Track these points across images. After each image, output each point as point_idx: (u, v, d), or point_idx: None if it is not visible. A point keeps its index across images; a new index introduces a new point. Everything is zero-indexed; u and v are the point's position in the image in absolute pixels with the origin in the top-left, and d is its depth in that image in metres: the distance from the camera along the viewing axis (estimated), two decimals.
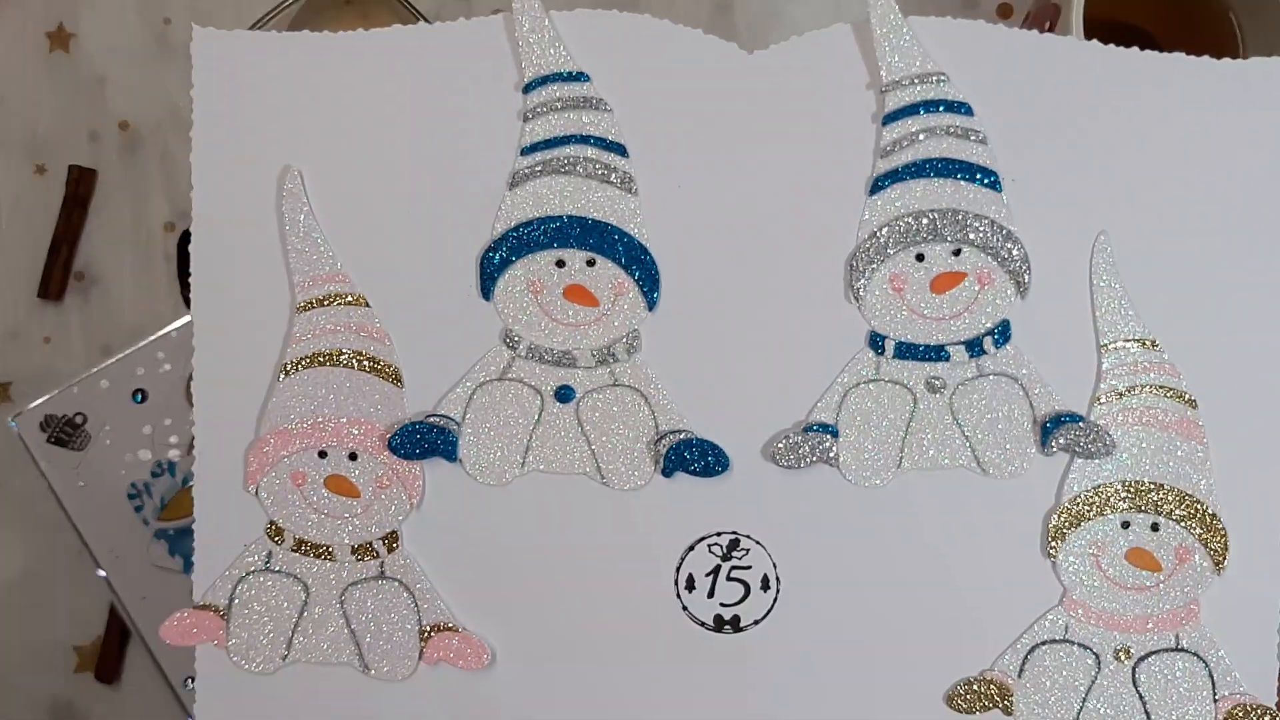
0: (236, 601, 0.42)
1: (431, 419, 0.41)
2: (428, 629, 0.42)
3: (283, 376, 0.41)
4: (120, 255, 0.62)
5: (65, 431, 0.53)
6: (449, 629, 0.42)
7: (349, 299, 0.41)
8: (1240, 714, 0.41)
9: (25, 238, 0.62)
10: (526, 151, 0.40)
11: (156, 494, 0.54)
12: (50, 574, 0.61)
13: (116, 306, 0.62)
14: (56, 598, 0.61)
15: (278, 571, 0.42)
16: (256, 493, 0.41)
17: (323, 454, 0.41)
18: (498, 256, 0.40)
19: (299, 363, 0.41)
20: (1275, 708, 0.41)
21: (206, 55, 0.40)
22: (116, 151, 0.62)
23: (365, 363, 0.41)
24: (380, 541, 0.42)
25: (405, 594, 0.42)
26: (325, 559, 0.42)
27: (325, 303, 0.41)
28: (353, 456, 0.41)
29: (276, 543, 0.42)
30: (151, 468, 0.54)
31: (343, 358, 0.41)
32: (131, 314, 0.62)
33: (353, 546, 0.42)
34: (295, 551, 0.42)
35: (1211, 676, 0.41)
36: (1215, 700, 0.41)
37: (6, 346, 0.62)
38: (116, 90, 0.62)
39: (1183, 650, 0.41)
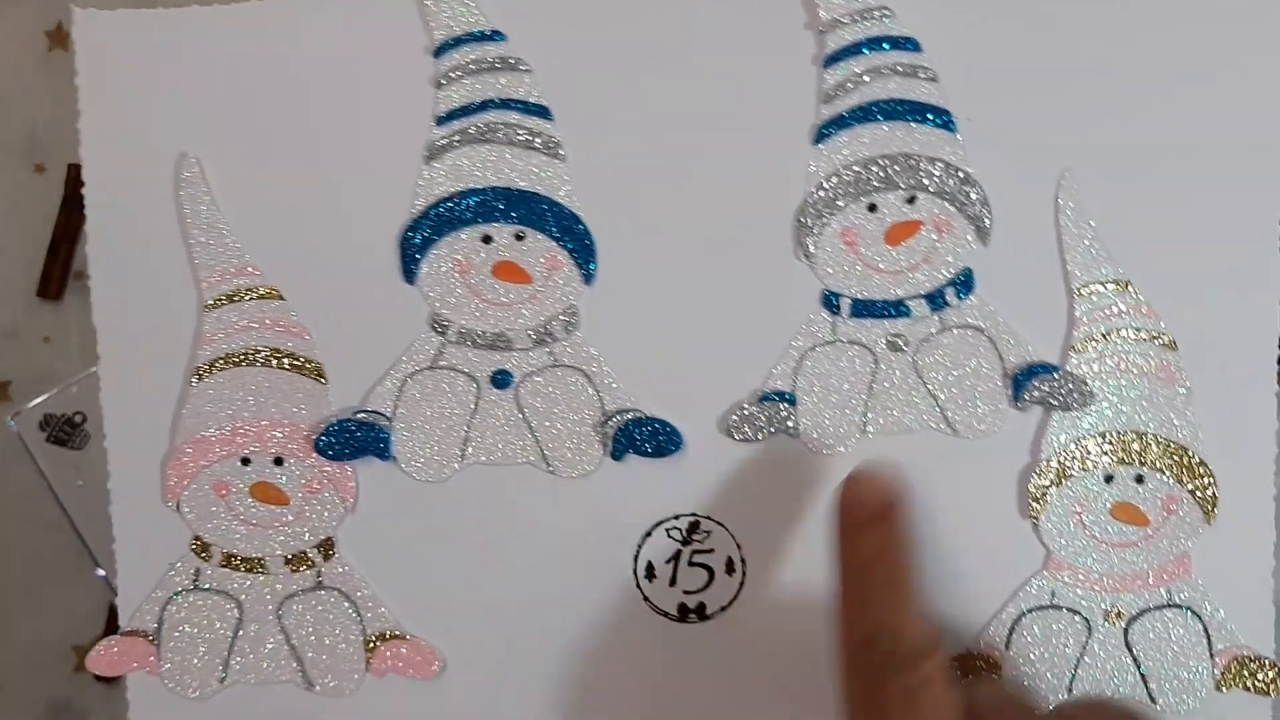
0: (166, 624, 0.39)
1: (360, 415, 0.38)
2: (373, 639, 0.39)
3: (195, 381, 0.38)
4: None
5: (64, 431, 0.53)
6: (396, 637, 0.39)
7: (261, 292, 0.38)
8: (1238, 667, 0.39)
9: (24, 237, 0.61)
10: (442, 120, 0.37)
11: None
12: (49, 574, 0.60)
13: None
14: (55, 597, 0.61)
15: (207, 589, 0.39)
16: (178, 507, 0.39)
17: (246, 461, 0.38)
18: (419, 236, 0.37)
19: (212, 365, 0.38)
20: (1275, 658, 0.39)
21: (90, 39, 0.37)
22: None
23: (284, 360, 0.38)
24: (315, 550, 0.39)
25: (346, 603, 0.39)
26: (257, 572, 0.39)
27: (235, 298, 0.38)
28: (278, 461, 0.38)
29: (204, 559, 0.39)
30: None
31: (259, 356, 0.38)
32: None
33: (286, 557, 0.39)
34: (225, 567, 0.39)
35: (1206, 631, 0.39)
36: (1212, 655, 0.39)
37: (5, 345, 0.61)
38: None
39: (1175, 605, 0.39)
